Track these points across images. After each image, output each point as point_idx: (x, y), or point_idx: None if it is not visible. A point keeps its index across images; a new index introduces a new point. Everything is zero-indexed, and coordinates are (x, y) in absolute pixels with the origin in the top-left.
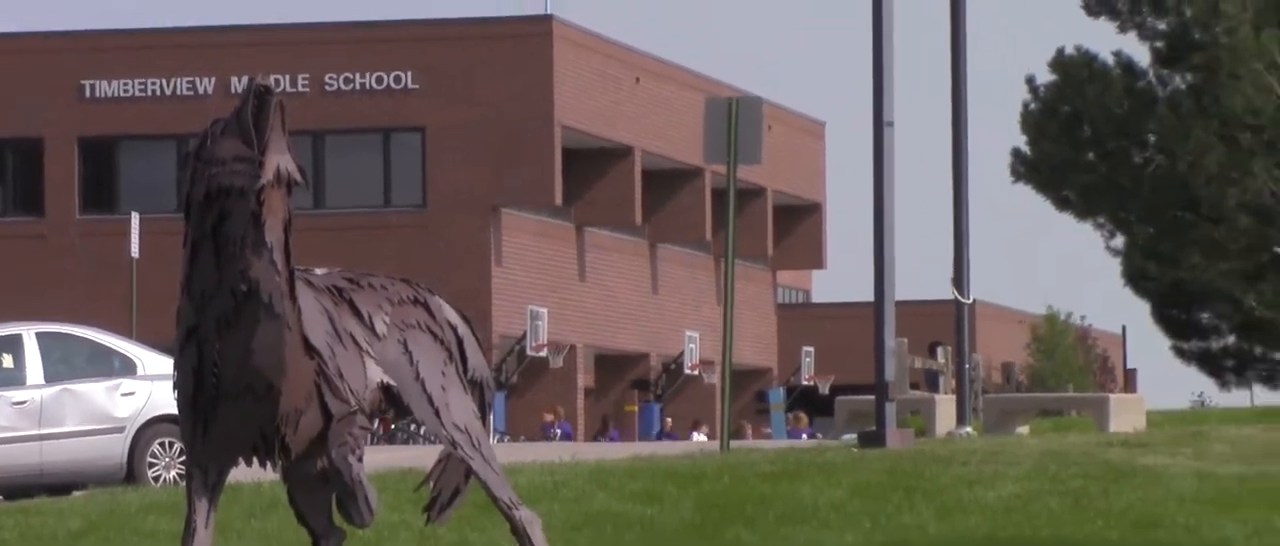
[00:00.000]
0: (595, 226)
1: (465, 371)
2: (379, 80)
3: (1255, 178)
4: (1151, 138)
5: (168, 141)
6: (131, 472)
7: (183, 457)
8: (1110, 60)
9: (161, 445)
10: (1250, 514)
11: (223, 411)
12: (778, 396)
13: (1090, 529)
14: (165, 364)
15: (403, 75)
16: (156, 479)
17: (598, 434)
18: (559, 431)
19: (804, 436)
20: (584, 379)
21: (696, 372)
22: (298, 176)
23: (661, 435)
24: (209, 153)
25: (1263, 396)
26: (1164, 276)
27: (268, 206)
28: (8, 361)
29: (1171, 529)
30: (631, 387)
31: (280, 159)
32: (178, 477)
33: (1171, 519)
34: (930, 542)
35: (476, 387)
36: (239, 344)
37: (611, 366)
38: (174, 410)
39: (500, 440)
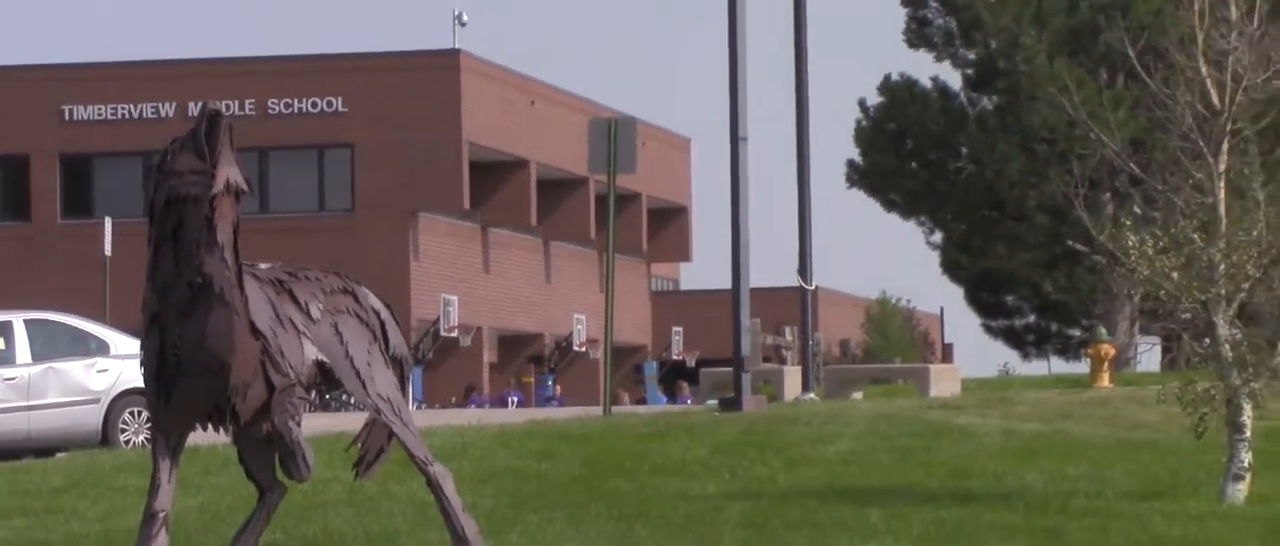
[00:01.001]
0: (497, 227)
1: (387, 349)
2: (314, 105)
3: (1050, 183)
4: (964, 150)
5: (135, 157)
6: (106, 437)
7: (149, 424)
8: (929, 85)
9: (131, 413)
10: (1047, 464)
11: (182, 385)
12: (651, 369)
13: (913, 478)
14: (134, 345)
15: (334, 100)
16: (127, 442)
17: (468, 399)
18: (515, 399)
19: (687, 402)
20: (489, 355)
21: (583, 349)
22: (244, 186)
23: (551, 401)
24: (169, 166)
25: (1058, 366)
26: (975, 266)
27: (219, 212)
28: (0, 344)
29: (982, 477)
30: (528, 362)
31: (229, 171)
32: (145, 441)
33: (982, 469)
34: (779, 491)
35: (397, 363)
36: (195, 328)
37: (512, 344)
38: (141, 384)
39: (418, 408)
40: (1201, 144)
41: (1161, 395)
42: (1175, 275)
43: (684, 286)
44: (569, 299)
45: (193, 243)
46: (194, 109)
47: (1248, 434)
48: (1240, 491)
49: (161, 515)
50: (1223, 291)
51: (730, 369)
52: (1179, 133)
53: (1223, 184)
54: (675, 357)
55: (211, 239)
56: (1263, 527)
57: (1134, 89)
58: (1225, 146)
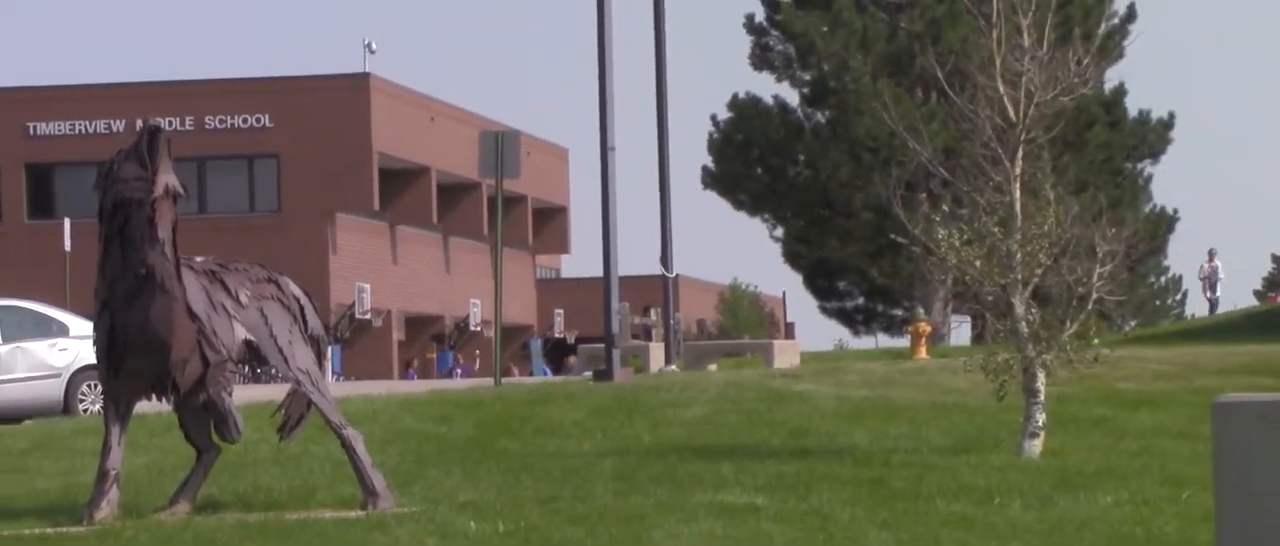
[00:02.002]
0: (403, 225)
1: (306, 330)
2: (244, 121)
3: (874, 185)
4: (800, 157)
5: (91, 167)
6: (67, 407)
7: (102, 395)
8: (771, 102)
9: (88, 386)
10: (872, 424)
11: (130, 361)
12: (537, 345)
13: (758, 437)
14: (89, 327)
15: (262, 117)
16: (84, 410)
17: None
18: (459, 372)
19: (576, 373)
20: (397, 334)
21: (479, 329)
22: (180, 190)
23: (451, 373)
24: (115, 173)
25: (883, 341)
26: (811, 256)
27: (159, 212)
28: None
29: (817, 436)
30: (431, 340)
31: (167, 178)
32: (98, 410)
33: (817, 429)
34: (644, 448)
35: (314, 342)
36: (140, 312)
37: (417, 325)
38: (94, 360)
39: (338, 380)
40: (1000, 151)
41: (968, 365)
42: (979, 263)
43: (564, 275)
44: (465, 286)
45: (137, 239)
46: (140, 124)
47: (1041, 398)
48: (1036, 446)
49: (113, 473)
50: (1019, 277)
51: (603, 345)
52: (981, 142)
53: (1019, 185)
54: (557, 336)
55: (153, 236)
56: (1053, 477)
57: (944, 105)
58: (1020, 153)
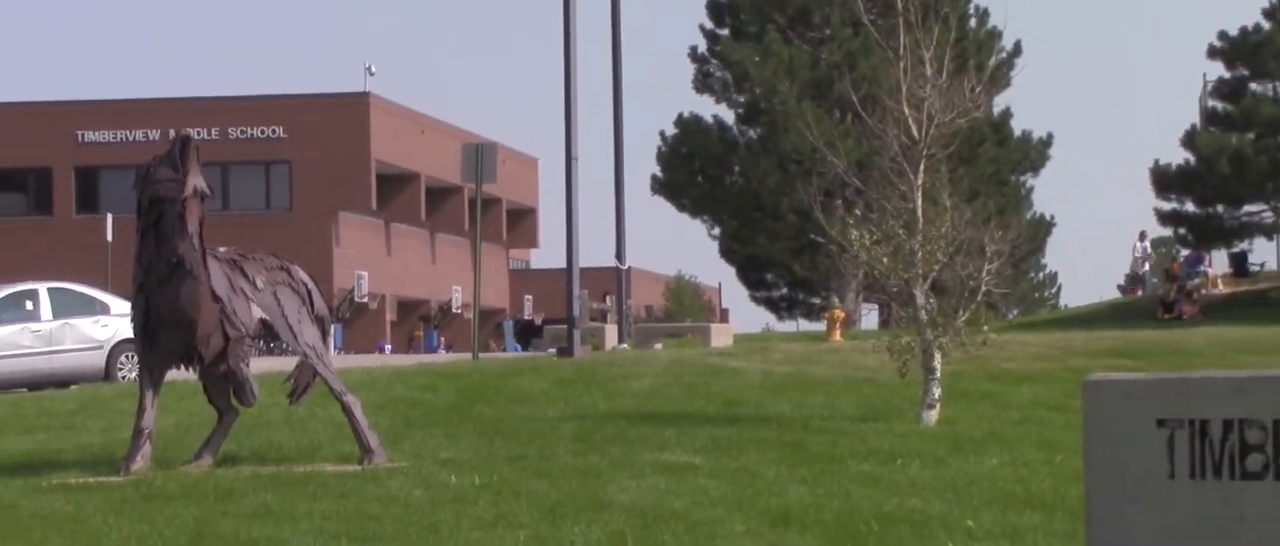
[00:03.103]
0: (397, 222)
1: (313, 311)
2: (262, 132)
3: (798, 192)
4: (736, 167)
5: (131, 169)
6: (108, 374)
7: (138, 364)
8: (711, 120)
9: (125, 357)
10: (794, 396)
11: (161, 336)
12: (509, 326)
13: (697, 406)
14: (127, 307)
15: (277, 129)
16: (123, 377)
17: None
18: (433, 337)
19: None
20: (390, 315)
21: (460, 311)
22: (207, 190)
23: (435, 349)
24: (151, 175)
25: (804, 325)
26: (744, 252)
27: (189, 209)
28: (29, 305)
29: (746, 405)
30: (419, 320)
31: (196, 180)
32: (134, 377)
33: (747, 399)
34: (600, 414)
35: (320, 321)
36: (171, 294)
37: (407, 307)
38: (132, 335)
39: (340, 353)
40: (905, 165)
41: (876, 346)
42: (886, 260)
43: (533, 266)
44: (448, 275)
45: (169, 232)
46: (172, 134)
47: (938, 375)
48: (933, 416)
49: (147, 430)
50: (920, 271)
51: (566, 326)
52: (889, 156)
53: (920, 194)
54: (527, 318)
55: (183, 229)
56: (947, 442)
57: (858, 125)
58: (922, 167)
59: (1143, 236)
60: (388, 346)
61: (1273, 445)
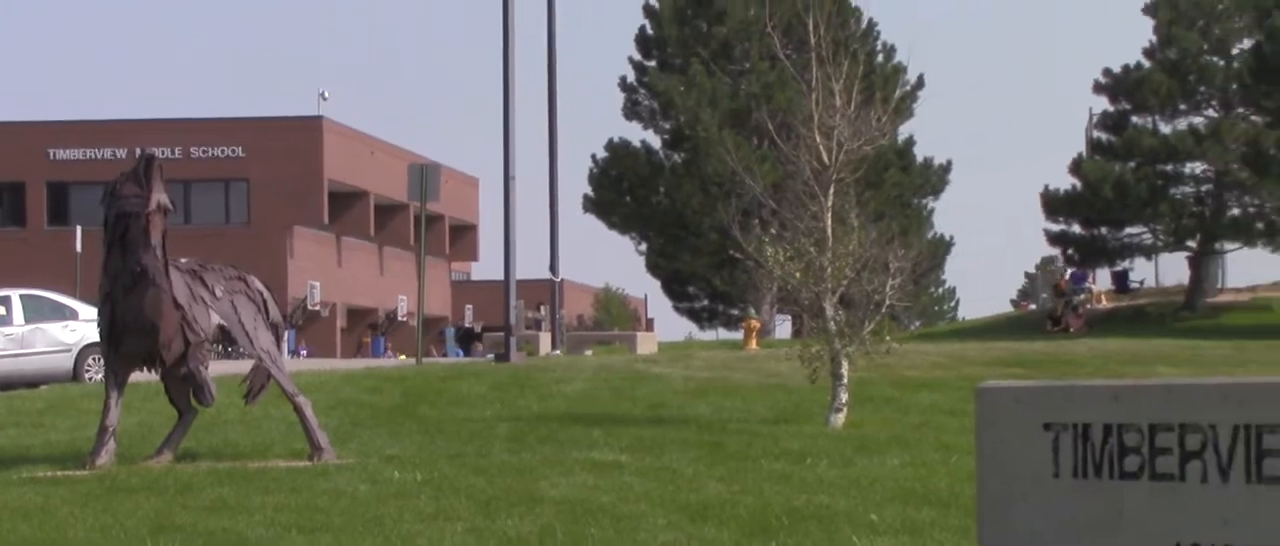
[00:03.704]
0: (347, 236)
1: (268, 318)
2: (222, 152)
3: (718, 212)
4: (661, 189)
5: (99, 185)
6: (76, 375)
7: (103, 367)
8: (639, 145)
9: (92, 359)
10: (713, 399)
11: (126, 340)
12: (450, 332)
13: (623, 408)
14: (94, 313)
15: (237, 149)
16: (90, 379)
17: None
18: (380, 343)
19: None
20: (340, 322)
21: (405, 319)
22: (169, 205)
23: (382, 353)
24: (118, 191)
25: (723, 334)
26: (668, 267)
27: (152, 223)
28: (2, 310)
29: (670, 408)
30: (368, 327)
31: (159, 196)
32: (101, 378)
33: (670, 403)
34: (534, 415)
35: (274, 327)
36: (135, 302)
37: (356, 315)
38: (98, 339)
39: (294, 356)
40: (817, 188)
41: (789, 354)
42: (798, 275)
43: (473, 278)
44: (395, 285)
45: (134, 244)
46: (139, 152)
47: (845, 381)
48: (840, 419)
49: (111, 428)
50: (830, 286)
51: (503, 334)
52: (802, 180)
53: (830, 215)
54: (467, 326)
55: (147, 242)
56: (853, 442)
57: (773, 151)
58: (832, 190)
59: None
60: (303, 351)
61: (1149, 448)
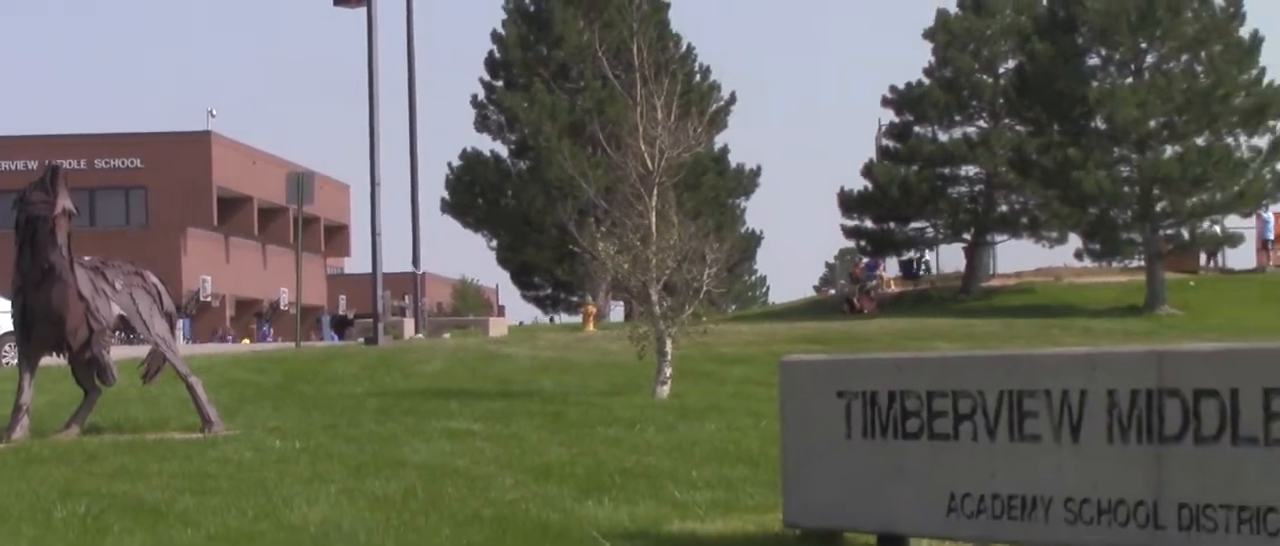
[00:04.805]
0: (234, 236)
1: (163, 308)
2: (122, 162)
3: (558, 213)
4: (509, 192)
5: (11, 193)
6: None
7: (17, 353)
8: (489, 154)
9: (7, 346)
10: (555, 376)
11: (37, 329)
12: (326, 319)
13: (477, 384)
14: (7, 305)
15: (135, 160)
16: (5, 363)
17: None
18: (267, 329)
19: (359, 341)
20: (229, 312)
21: (286, 308)
22: (73, 210)
23: (265, 338)
24: (27, 198)
25: (564, 319)
26: (516, 260)
27: (58, 226)
28: None
29: (517, 383)
30: (254, 316)
31: (64, 202)
32: (14, 363)
33: (517, 379)
34: (399, 391)
35: (169, 316)
36: (44, 295)
37: (243, 306)
38: (12, 328)
39: (188, 343)
40: (642, 190)
41: (620, 335)
42: (627, 266)
43: (346, 271)
44: (277, 278)
45: (42, 244)
46: (47, 164)
47: (669, 357)
48: (665, 391)
49: (25, 406)
50: (655, 275)
51: (372, 320)
52: (629, 184)
53: (654, 214)
54: (341, 313)
55: (53, 242)
56: (676, 411)
57: (605, 158)
58: (655, 192)
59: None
60: (229, 336)
61: (927, 411)
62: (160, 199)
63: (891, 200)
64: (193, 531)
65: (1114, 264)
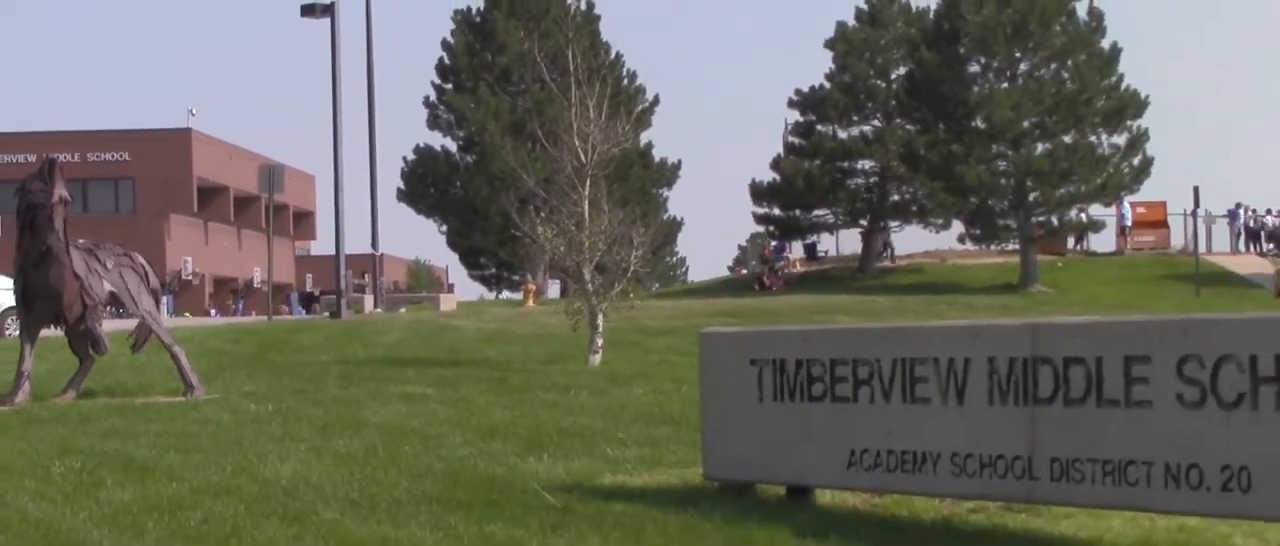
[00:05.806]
0: (212, 222)
1: (149, 285)
2: (112, 156)
3: (502, 201)
4: (458, 183)
5: (13, 184)
6: None
7: (19, 325)
8: (439, 149)
9: (10, 320)
10: (500, 346)
11: (36, 304)
12: (295, 296)
13: (430, 354)
14: (10, 283)
15: (124, 154)
16: (9, 335)
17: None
18: (239, 304)
19: (324, 315)
20: (208, 289)
21: (260, 286)
22: (68, 198)
23: (240, 312)
24: (27, 187)
25: (507, 295)
26: (464, 243)
27: (55, 212)
28: None
29: (466, 353)
30: (230, 293)
31: (60, 191)
32: (17, 334)
33: (466, 349)
34: (360, 360)
35: (154, 293)
36: (43, 275)
37: (221, 284)
38: (15, 303)
39: (171, 317)
40: (577, 181)
41: (557, 310)
42: (563, 248)
43: (313, 253)
44: (251, 259)
45: (41, 229)
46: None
47: (600, 329)
48: (597, 359)
49: (27, 373)
50: (588, 256)
51: (336, 297)
52: (565, 175)
53: (588, 202)
54: (308, 290)
55: (51, 227)
56: (607, 377)
57: (544, 153)
58: (588, 183)
59: None
60: (214, 311)
61: (830, 377)
62: (146, 189)
63: (797, 190)
64: (178, 484)
65: (992, 247)
